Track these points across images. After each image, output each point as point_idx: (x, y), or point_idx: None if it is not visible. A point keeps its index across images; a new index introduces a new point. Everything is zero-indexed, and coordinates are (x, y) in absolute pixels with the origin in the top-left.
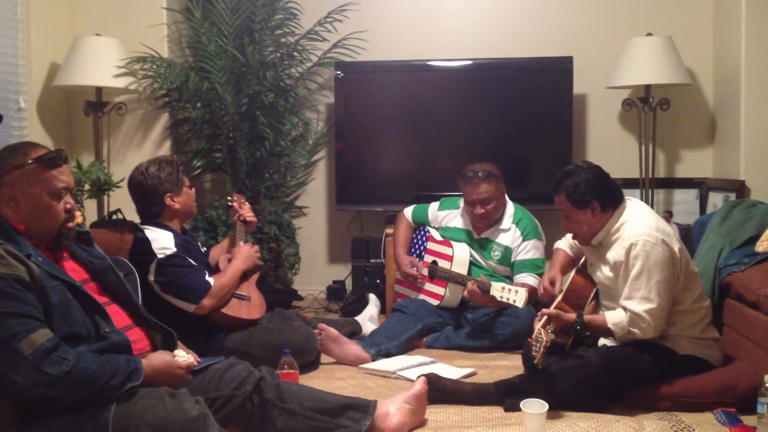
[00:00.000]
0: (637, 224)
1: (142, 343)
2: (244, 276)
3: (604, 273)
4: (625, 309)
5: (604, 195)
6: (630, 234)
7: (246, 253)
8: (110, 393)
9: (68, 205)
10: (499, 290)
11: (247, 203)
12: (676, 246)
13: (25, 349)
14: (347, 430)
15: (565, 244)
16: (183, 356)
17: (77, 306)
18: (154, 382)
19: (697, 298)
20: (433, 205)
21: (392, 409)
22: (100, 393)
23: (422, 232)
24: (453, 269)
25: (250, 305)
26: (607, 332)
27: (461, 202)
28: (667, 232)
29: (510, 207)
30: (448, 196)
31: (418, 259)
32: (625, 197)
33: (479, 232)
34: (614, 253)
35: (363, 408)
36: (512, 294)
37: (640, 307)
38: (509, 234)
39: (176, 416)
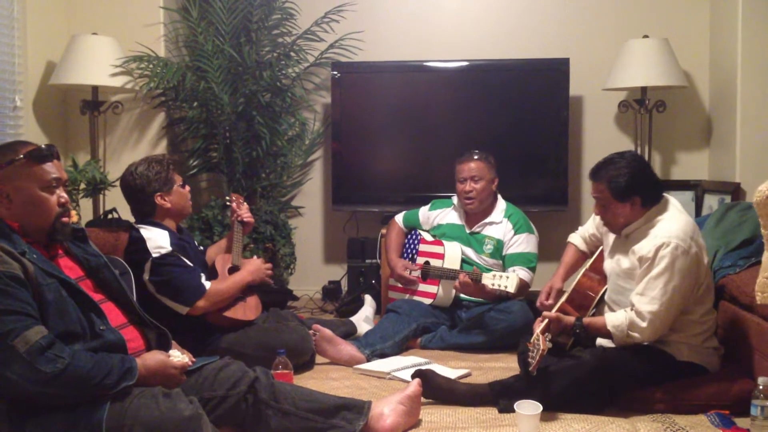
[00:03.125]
0: (674, 225)
1: (136, 342)
2: (248, 288)
3: (621, 265)
4: (632, 303)
5: (647, 191)
6: (664, 233)
7: (256, 267)
8: (105, 392)
9: (62, 199)
10: (490, 278)
11: (245, 204)
12: (706, 259)
13: (20, 347)
14: (341, 431)
15: (578, 237)
16: (178, 356)
17: (72, 304)
18: (149, 382)
19: (707, 311)
20: (423, 208)
21: (386, 410)
22: (95, 391)
23: (414, 236)
24: (445, 266)
25: (245, 306)
26: (607, 335)
27: (454, 199)
28: (701, 244)
29: (501, 203)
30: (441, 198)
31: (410, 262)
32: (665, 195)
33: (471, 225)
34: (643, 247)
35: (357, 408)
36: (503, 280)
37: (647, 306)
38: (501, 227)
39: (170, 416)
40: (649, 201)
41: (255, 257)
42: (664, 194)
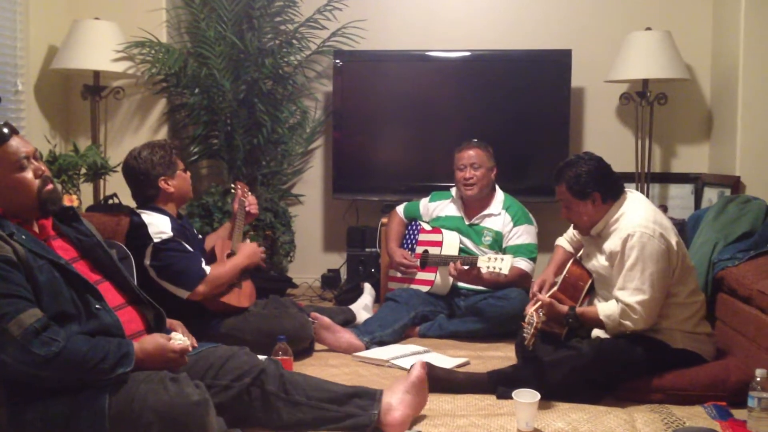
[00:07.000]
0: (636, 216)
1: (135, 323)
2: (243, 272)
3: (599, 262)
4: (617, 299)
5: (605, 186)
6: (628, 225)
7: (251, 251)
8: (101, 376)
9: (39, 171)
10: (485, 261)
11: (250, 194)
12: (674, 239)
13: (14, 330)
14: (356, 419)
15: (565, 240)
16: (179, 339)
17: (65, 284)
18: (147, 366)
19: (692, 292)
20: (424, 200)
21: (394, 401)
22: (91, 375)
23: (414, 226)
24: (443, 253)
25: (240, 293)
26: (600, 324)
27: (453, 191)
28: (665, 225)
29: (500, 194)
30: (441, 188)
31: (410, 251)
32: (626, 189)
33: (470, 217)
34: (611, 243)
35: (369, 395)
36: (498, 262)
37: (632, 298)
38: (499, 219)
39: (179, 401)
40: (609, 196)
41: (248, 240)
42: (626, 190)
